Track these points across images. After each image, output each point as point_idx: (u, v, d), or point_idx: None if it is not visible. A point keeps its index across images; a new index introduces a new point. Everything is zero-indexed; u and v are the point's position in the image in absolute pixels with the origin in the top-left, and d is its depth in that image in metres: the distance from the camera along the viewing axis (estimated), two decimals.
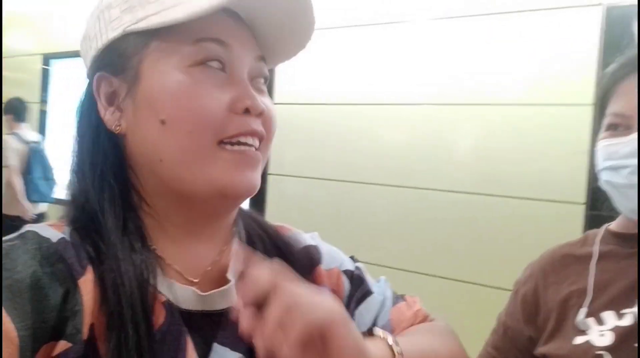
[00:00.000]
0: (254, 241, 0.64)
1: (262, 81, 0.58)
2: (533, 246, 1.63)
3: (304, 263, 0.67)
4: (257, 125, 0.54)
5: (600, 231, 0.93)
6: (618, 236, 0.89)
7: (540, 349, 0.88)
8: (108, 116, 0.54)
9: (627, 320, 0.79)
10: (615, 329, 0.79)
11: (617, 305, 0.81)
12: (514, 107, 1.76)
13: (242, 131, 0.53)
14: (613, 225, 0.92)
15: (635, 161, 0.76)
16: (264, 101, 0.55)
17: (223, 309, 0.56)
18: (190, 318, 0.53)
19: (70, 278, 0.47)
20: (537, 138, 1.71)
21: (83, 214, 0.53)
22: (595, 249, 0.89)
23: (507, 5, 1.78)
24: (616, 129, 0.81)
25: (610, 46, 1.59)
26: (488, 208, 1.78)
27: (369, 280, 0.73)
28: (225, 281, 0.57)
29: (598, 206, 1.57)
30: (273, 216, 0.87)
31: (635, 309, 0.79)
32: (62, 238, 0.50)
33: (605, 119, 0.83)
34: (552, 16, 1.70)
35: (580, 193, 1.63)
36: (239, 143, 0.53)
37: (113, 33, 0.54)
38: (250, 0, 0.53)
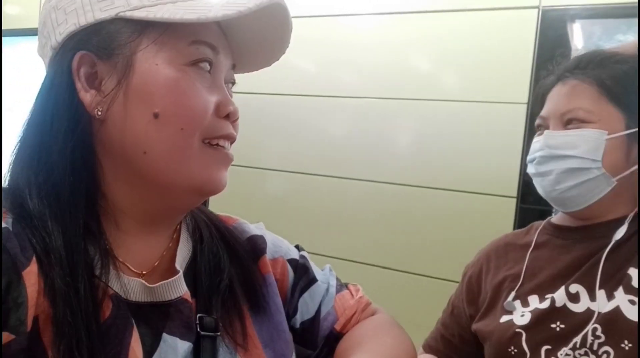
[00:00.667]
0: (201, 230, 0.65)
1: (230, 85, 0.62)
2: (467, 237, 1.71)
3: (250, 252, 0.69)
4: (233, 129, 0.58)
5: (542, 222, 1.02)
6: (555, 228, 0.97)
7: (474, 326, 0.98)
8: (89, 98, 0.52)
9: (546, 303, 0.87)
10: (534, 311, 0.87)
11: (541, 290, 0.90)
12: (451, 103, 1.81)
13: (224, 133, 0.56)
14: (554, 218, 1.01)
15: (540, 153, 0.90)
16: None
17: (172, 299, 0.56)
18: (139, 310, 0.53)
19: (13, 269, 0.46)
20: (473, 134, 1.77)
21: (29, 202, 0.50)
22: (533, 238, 0.98)
23: (448, 3, 1.82)
24: (539, 128, 0.95)
25: (544, 48, 1.67)
26: (426, 199, 1.84)
27: (314, 268, 0.75)
28: (173, 271, 0.57)
29: (528, 200, 1.66)
30: (216, 206, 0.87)
31: (554, 294, 0.87)
32: (5, 228, 0.48)
33: (536, 121, 0.97)
34: (489, 16, 1.76)
35: (512, 187, 1.71)
36: (217, 144, 0.56)
37: (102, 14, 0.52)
38: (249, 17, 0.53)
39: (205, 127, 0.54)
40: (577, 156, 0.85)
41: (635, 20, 1.54)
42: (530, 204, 1.67)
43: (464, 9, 1.80)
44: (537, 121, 0.95)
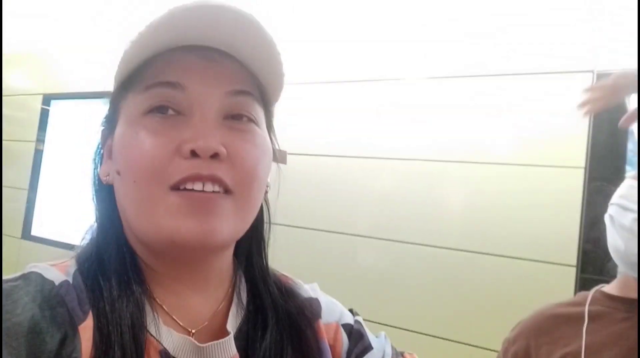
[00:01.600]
0: (260, 292, 0.62)
1: (245, 118, 0.54)
2: (522, 306, 1.61)
3: (307, 315, 0.65)
4: (209, 169, 0.49)
5: (591, 292, 0.93)
6: (611, 299, 0.88)
7: None
8: (103, 167, 0.57)
9: None
10: None
11: None
12: (505, 166, 1.77)
13: (186, 175, 0.49)
14: (607, 287, 0.92)
15: None
16: (234, 141, 0.51)
17: None
18: None
19: (70, 323, 0.46)
20: (528, 198, 1.71)
21: (91, 257, 0.54)
22: (585, 310, 0.88)
23: (502, 67, 1.82)
24: None
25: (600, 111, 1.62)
26: (477, 265, 1.76)
27: (369, 334, 0.70)
28: (224, 333, 0.56)
29: (588, 270, 1.57)
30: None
31: None
32: (65, 281, 0.49)
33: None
34: (544, 80, 1.74)
35: (571, 256, 1.62)
36: (187, 189, 0.49)
37: (112, 86, 0.56)
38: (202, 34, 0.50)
39: (163, 173, 0.49)
40: None
41: None
42: (592, 274, 1.57)
43: (518, 73, 1.79)
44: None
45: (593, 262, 1.58)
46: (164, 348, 0.51)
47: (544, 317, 0.95)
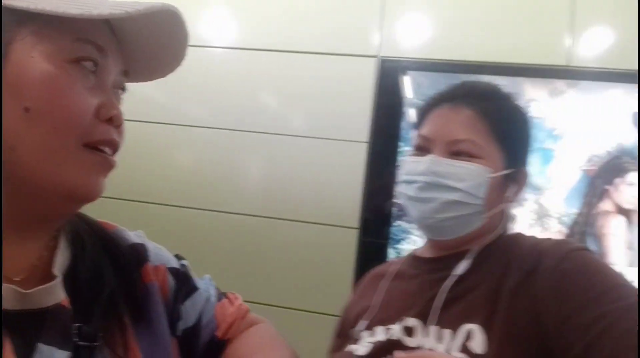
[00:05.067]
0: (82, 236, 0.62)
1: (121, 92, 0.60)
2: (310, 266, 1.78)
3: (132, 260, 0.67)
4: (116, 135, 0.55)
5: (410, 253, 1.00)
6: (415, 259, 0.96)
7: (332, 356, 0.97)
8: None
9: (386, 335, 0.84)
10: (375, 343, 0.84)
11: (387, 321, 0.86)
12: (299, 138, 1.89)
13: (105, 138, 0.53)
14: (418, 249, 0.99)
15: (424, 178, 0.84)
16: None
17: (48, 306, 0.52)
18: (12, 319, 0.49)
19: None
20: (318, 169, 1.87)
21: None
22: (394, 269, 0.96)
23: (297, 44, 1.93)
24: (420, 149, 0.89)
25: (382, 92, 1.85)
26: (275, 230, 1.88)
27: (195, 277, 0.76)
28: (51, 277, 0.53)
29: (369, 233, 1.79)
30: None
31: (394, 326, 0.84)
32: None
33: (413, 140, 0.92)
34: (334, 60, 1.90)
35: (354, 220, 1.82)
36: (98, 150, 0.53)
37: None
38: (143, 22, 0.54)
39: (84, 129, 0.51)
40: (462, 189, 0.83)
41: (456, 75, 1.78)
42: (370, 237, 1.80)
43: (312, 51, 1.91)
44: (418, 141, 0.90)
45: (373, 226, 1.81)
46: None
47: (371, 275, 1.02)
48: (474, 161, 0.84)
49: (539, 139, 1.65)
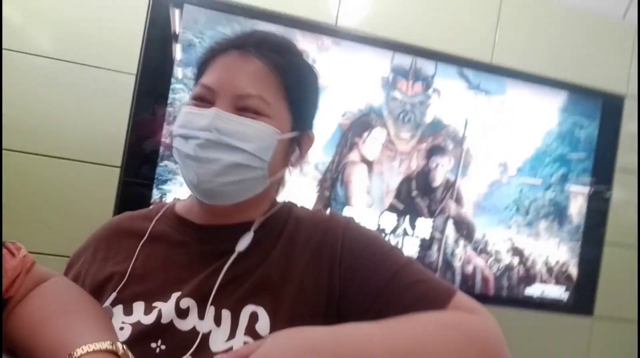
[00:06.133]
0: None
1: None
2: (66, 208, 1.63)
3: None
4: None
5: (165, 206, 0.86)
6: (178, 220, 0.82)
7: None
8: None
9: (152, 317, 0.71)
10: (137, 325, 0.70)
11: (150, 297, 0.73)
12: (57, 62, 1.68)
13: None
14: (179, 204, 0.86)
15: (207, 134, 0.72)
16: None
17: None
18: None
19: None
20: (81, 98, 1.69)
21: None
22: (150, 226, 0.82)
23: None
24: (201, 100, 0.76)
25: (154, 25, 1.74)
26: (34, 167, 1.67)
27: None
28: None
29: (131, 173, 1.71)
30: None
31: (163, 305, 0.72)
32: None
33: (194, 88, 0.79)
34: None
35: (117, 158, 1.72)
36: None
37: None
38: None
39: None
40: (248, 151, 0.73)
41: (234, 17, 1.77)
42: (133, 177, 1.73)
43: None
44: (200, 90, 0.77)
45: (137, 165, 1.73)
46: None
47: (112, 228, 0.86)
48: (262, 119, 0.74)
49: None
